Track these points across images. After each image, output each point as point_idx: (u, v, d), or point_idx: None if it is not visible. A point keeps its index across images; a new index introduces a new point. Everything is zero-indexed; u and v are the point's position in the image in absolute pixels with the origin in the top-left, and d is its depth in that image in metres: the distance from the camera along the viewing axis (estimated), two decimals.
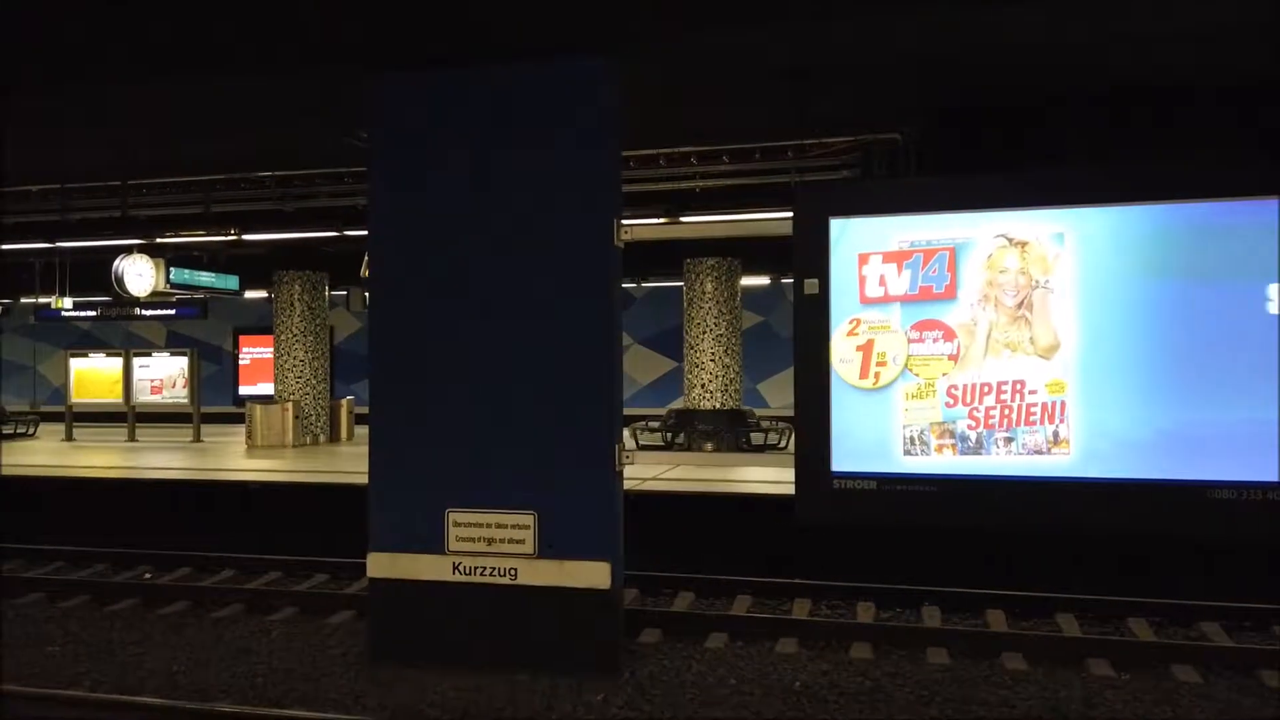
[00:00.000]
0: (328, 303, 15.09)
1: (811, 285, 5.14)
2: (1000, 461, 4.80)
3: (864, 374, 4.96)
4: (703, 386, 13.59)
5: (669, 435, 13.87)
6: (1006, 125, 7.31)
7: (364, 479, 5.92)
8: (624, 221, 5.65)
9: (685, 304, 13.80)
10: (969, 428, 4.82)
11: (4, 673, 5.68)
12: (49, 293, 16.14)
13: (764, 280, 16.51)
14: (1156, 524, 5.01)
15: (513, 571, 5.58)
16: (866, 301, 4.97)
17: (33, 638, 6.54)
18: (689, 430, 13.62)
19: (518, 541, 5.57)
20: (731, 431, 13.51)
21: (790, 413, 5.57)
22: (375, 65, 5.77)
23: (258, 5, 5.47)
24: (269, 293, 15.54)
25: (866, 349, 4.96)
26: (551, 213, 5.58)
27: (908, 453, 4.92)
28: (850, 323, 4.97)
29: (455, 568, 5.65)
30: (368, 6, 5.45)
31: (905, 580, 7.38)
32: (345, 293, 17.27)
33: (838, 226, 5.14)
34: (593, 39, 5.47)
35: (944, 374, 4.85)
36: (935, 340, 4.87)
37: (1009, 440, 4.76)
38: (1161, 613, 6.84)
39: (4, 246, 13.63)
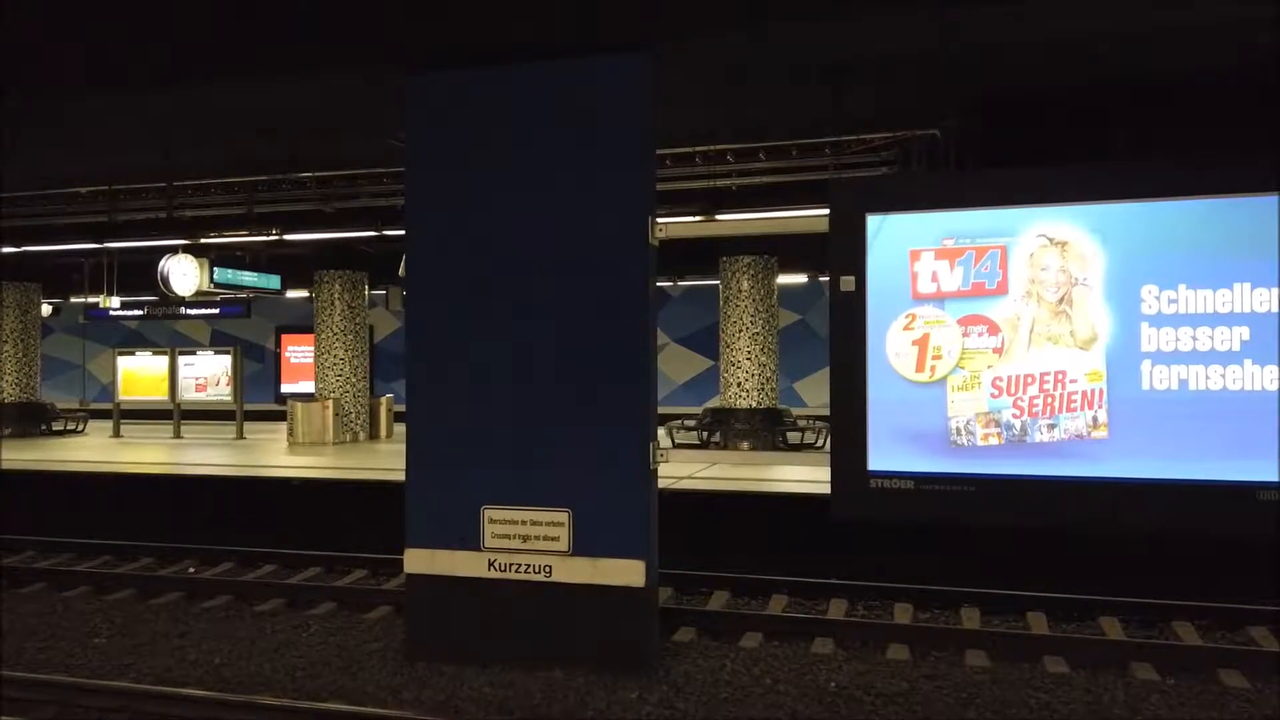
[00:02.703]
0: (367, 302, 15.26)
1: (847, 282, 5.10)
2: (1043, 444, 4.83)
3: (919, 368, 5.02)
4: (739, 385, 13.54)
5: (705, 434, 13.83)
6: (1046, 121, 7.20)
7: (402, 476, 5.97)
8: (659, 220, 5.64)
9: (721, 302, 13.75)
10: (1014, 416, 4.91)
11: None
12: (97, 292, 16.51)
13: (801, 278, 16.41)
14: (1203, 525, 4.94)
15: (547, 569, 5.60)
16: (919, 297, 5.01)
17: (80, 630, 6.68)
18: (725, 429, 13.57)
19: (552, 539, 5.59)
20: (768, 430, 13.44)
21: (827, 412, 5.55)
22: (412, 66, 5.82)
23: (296, 6, 5.55)
24: (310, 292, 15.75)
25: (922, 343, 5.00)
26: (586, 211, 5.59)
27: (954, 442, 4.94)
28: (906, 317, 5.01)
29: (491, 564, 5.69)
30: (404, 6, 5.50)
31: (943, 581, 7.30)
32: (384, 292, 17.44)
33: (875, 223, 5.10)
34: (629, 37, 5.47)
35: (989, 366, 4.92)
36: (980, 334, 4.94)
37: (1052, 426, 4.85)
38: (1208, 616, 6.70)
39: (55, 247, 13.97)
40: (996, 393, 4.95)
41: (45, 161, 10.19)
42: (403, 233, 6.12)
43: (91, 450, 13.75)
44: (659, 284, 5.82)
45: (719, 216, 10.04)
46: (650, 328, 5.62)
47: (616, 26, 5.47)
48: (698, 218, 10.05)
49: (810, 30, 5.87)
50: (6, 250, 13.72)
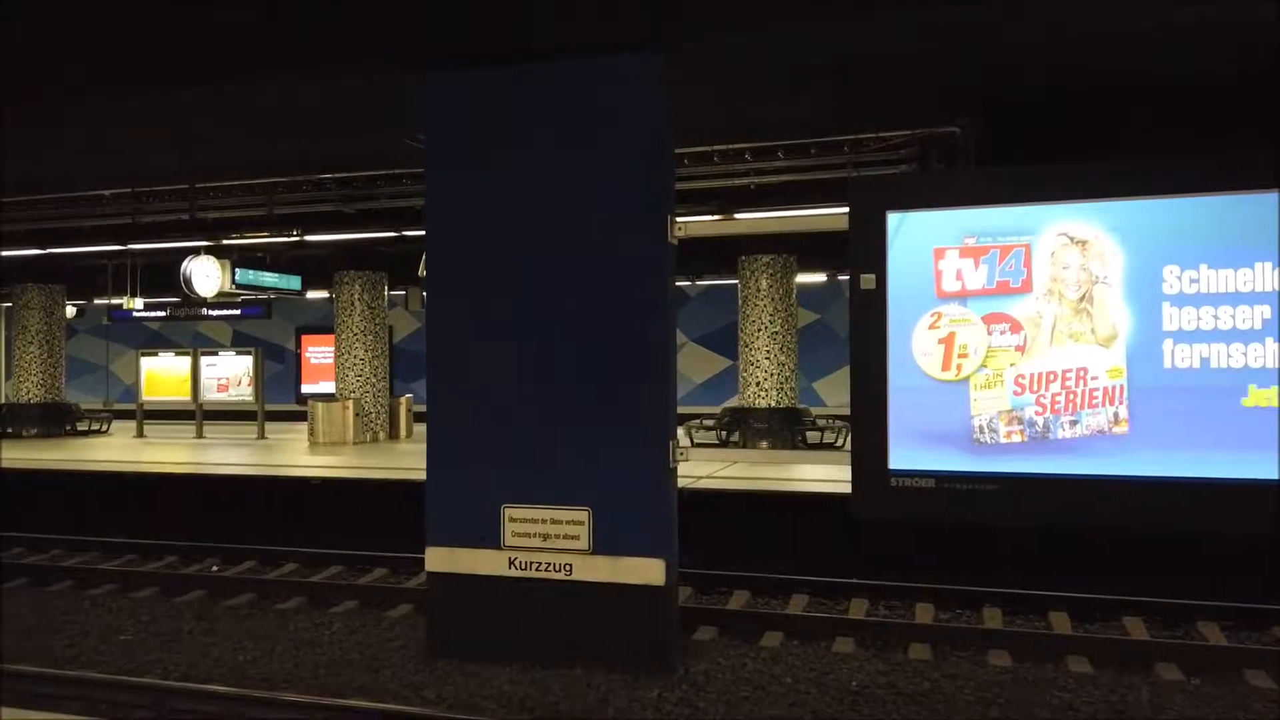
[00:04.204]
0: (387, 302, 15.34)
1: (868, 280, 5.07)
2: (1065, 441, 4.83)
3: (946, 366, 5.01)
4: (758, 385, 13.52)
5: (724, 433, 13.82)
6: (1064, 119, 7.16)
7: (422, 475, 6.00)
8: (678, 219, 5.64)
9: (740, 302, 13.74)
10: (1036, 414, 4.90)
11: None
12: (121, 294, 16.70)
13: (820, 277, 16.37)
14: (1224, 523, 4.90)
15: (568, 567, 5.62)
16: (943, 296, 4.99)
17: (106, 626, 6.76)
18: (744, 428, 13.55)
19: (572, 537, 5.60)
20: (787, 430, 13.41)
21: (846, 411, 5.54)
22: (427, 66, 5.84)
23: (315, 9, 5.59)
24: (330, 293, 15.86)
25: (948, 342, 4.99)
26: (604, 210, 5.59)
27: (976, 440, 4.93)
28: (931, 316, 5.00)
29: (511, 563, 5.70)
30: (419, 8, 5.53)
31: (965, 580, 7.26)
32: (404, 292, 17.54)
33: (895, 220, 5.08)
34: (644, 36, 5.47)
35: (1011, 364, 4.91)
36: (1003, 332, 4.92)
37: (1074, 423, 4.85)
38: (1233, 616, 6.63)
39: (79, 249, 14.14)
40: (1019, 390, 4.94)
41: (66, 163, 10.30)
42: (422, 233, 6.14)
43: (116, 450, 13.90)
44: (678, 283, 5.81)
45: (737, 215, 10.04)
46: (670, 326, 5.62)
47: (630, 26, 5.47)
48: (716, 217, 10.05)
49: (826, 29, 5.85)
50: (32, 252, 13.89)
